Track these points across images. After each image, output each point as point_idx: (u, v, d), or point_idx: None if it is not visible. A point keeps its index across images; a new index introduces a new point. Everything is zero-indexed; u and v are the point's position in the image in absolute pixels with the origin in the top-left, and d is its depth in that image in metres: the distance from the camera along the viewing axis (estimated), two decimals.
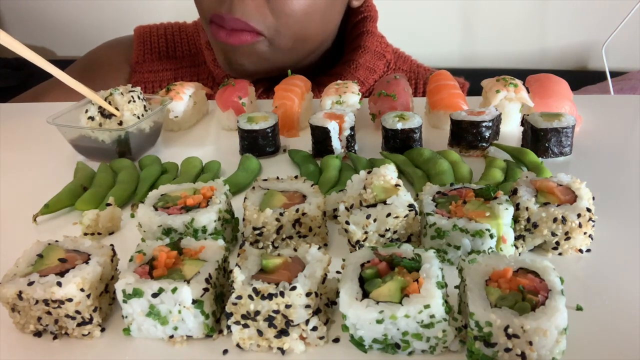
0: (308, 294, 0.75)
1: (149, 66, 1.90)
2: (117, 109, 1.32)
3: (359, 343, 0.76)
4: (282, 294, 0.74)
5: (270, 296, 0.74)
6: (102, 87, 1.38)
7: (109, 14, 3.12)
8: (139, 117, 1.33)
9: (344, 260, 0.82)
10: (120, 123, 1.31)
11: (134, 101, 1.33)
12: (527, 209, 0.94)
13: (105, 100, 1.33)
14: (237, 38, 1.58)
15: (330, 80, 1.73)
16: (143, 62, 1.90)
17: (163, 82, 1.90)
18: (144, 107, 1.36)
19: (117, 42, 2.01)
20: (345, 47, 1.84)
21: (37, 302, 0.78)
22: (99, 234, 1.05)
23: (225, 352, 0.78)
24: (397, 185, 0.95)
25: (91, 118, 1.32)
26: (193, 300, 0.77)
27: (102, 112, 1.33)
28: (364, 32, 1.78)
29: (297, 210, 0.94)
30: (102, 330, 0.83)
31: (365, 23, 1.79)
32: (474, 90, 1.77)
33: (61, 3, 3.24)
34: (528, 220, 0.94)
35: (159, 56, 1.92)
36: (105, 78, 1.88)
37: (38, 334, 0.82)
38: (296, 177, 1.05)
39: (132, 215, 1.10)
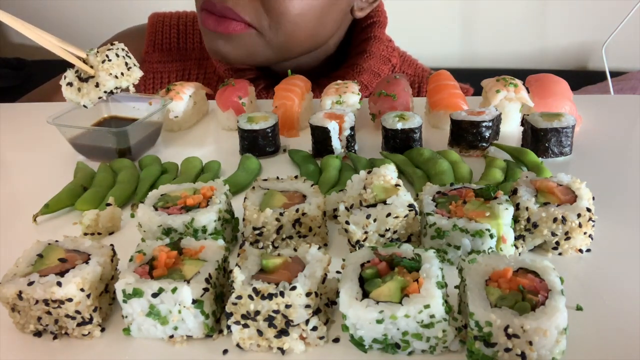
0: (308, 294, 0.75)
1: (158, 56, 1.90)
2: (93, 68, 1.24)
3: (359, 343, 0.76)
4: (282, 294, 0.74)
5: (270, 296, 0.74)
6: None
7: (110, 11, 3.11)
8: (116, 77, 1.24)
9: (344, 260, 0.82)
10: (97, 85, 1.23)
11: (109, 60, 1.23)
12: (527, 209, 0.94)
13: (81, 61, 1.24)
14: (226, 27, 1.57)
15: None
16: (153, 52, 1.90)
17: (171, 74, 1.89)
18: (126, 64, 1.26)
19: (129, 31, 2.02)
20: (350, 51, 1.82)
21: (37, 302, 0.78)
22: (99, 234, 1.05)
23: (225, 352, 0.78)
24: (397, 185, 0.95)
25: (69, 84, 1.26)
26: (193, 300, 0.77)
27: (79, 76, 1.26)
28: (370, 38, 1.76)
29: (297, 210, 0.94)
30: (102, 330, 0.83)
31: (373, 28, 1.77)
32: (474, 90, 1.77)
33: (62, 3, 3.24)
34: (528, 220, 0.94)
35: (169, 47, 1.91)
36: None
37: (38, 334, 0.82)
38: (296, 177, 1.05)
39: (132, 215, 1.10)
